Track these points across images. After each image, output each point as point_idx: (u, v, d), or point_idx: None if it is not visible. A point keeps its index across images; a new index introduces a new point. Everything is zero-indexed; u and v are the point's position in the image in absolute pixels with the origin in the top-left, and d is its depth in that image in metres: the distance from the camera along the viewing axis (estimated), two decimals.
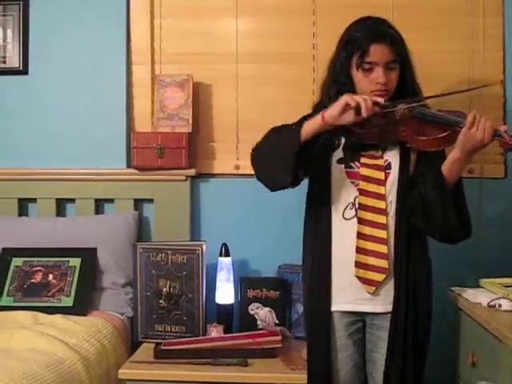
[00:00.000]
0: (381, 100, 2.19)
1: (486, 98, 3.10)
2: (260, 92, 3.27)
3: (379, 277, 2.28)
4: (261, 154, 2.37)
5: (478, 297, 2.34)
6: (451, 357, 2.51)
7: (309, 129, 2.21)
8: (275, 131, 2.34)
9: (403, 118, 2.22)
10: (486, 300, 2.28)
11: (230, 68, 3.28)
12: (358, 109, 2.13)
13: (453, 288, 2.53)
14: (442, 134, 2.16)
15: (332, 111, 2.17)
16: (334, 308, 2.35)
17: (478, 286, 2.51)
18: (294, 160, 2.19)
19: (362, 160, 2.32)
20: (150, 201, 3.29)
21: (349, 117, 2.16)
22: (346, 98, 2.15)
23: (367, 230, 2.30)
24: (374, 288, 2.30)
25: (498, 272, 2.56)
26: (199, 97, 3.29)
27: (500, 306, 2.22)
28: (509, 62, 3.15)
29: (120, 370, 2.65)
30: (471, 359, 2.24)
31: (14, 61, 3.36)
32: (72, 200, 3.32)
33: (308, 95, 3.17)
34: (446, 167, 2.18)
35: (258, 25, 3.29)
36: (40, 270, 3.04)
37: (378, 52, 2.24)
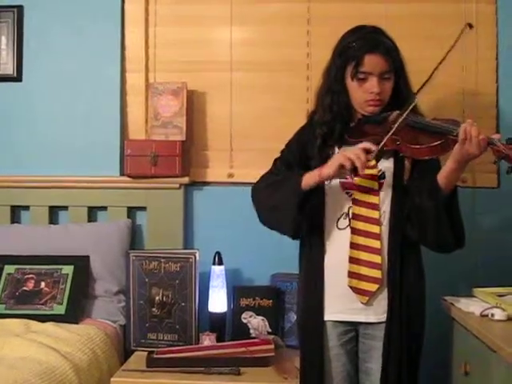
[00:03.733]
0: (371, 146, 2.19)
1: (478, 107, 3.12)
2: (254, 100, 3.27)
3: (372, 287, 2.29)
4: (262, 204, 2.44)
5: (470, 306, 2.34)
6: (444, 366, 2.51)
7: (306, 183, 2.27)
8: (275, 183, 2.39)
9: (397, 128, 2.22)
10: (479, 309, 2.27)
11: (224, 76, 3.28)
12: (353, 168, 2.16)
13: (445, 297, 2.52)
14: (436, 143, 2.16)
15: (327, 172, 2.23)
16: (326, 317, 2.35)
17: (471, 296, 2.50)
18: (295, 213, 2.28)
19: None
20: (144, 209, 3.28)
21: (345, 174, 2.22)
22: (340, 160, 2.19)
23: (360, 240, 2.30)
24: (368, 298, 2.30)
25: (491, 281, 2.56)
26: (193, 105, 3.29)
27: (493, 315, 2.21)
28: (502, 71, 3.16)
29: (112, 379, 2.63)
30: (464, 369, 2.24)
31: (8, 68, 3.35)
32: (65, 207, 3.31)
33: (302, 104, 3.18)
34: (441, 177, 2.18)
35: (253, 33, 3.29)
36: (32, 278, 3.03)
37: (372, 62, 2.25)
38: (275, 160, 2.51)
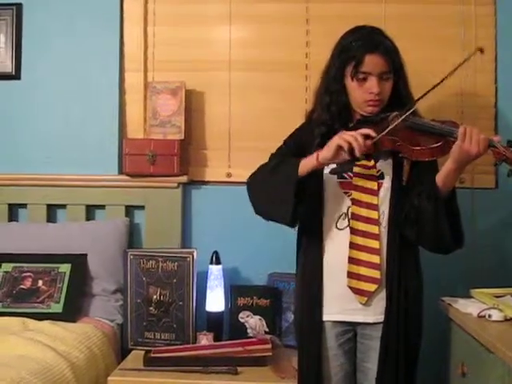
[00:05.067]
0: (369, 131, 2.18)
1: (477, 108, 3.12)
2: (252, 100, 3.27)
3: (371, 287, 2.29)
4: (258, 192, 2.40)
5: (468, 307, 2.34)
6: (441, 367, 2.51)
7: (304, 168, 2.24)
8: (271, 169, 2.36)
9: (397, 128, 2.22)
10: (477, 310, 2.27)
11: (223, 76, 3.28)
12: (350, 150, 2.14)
13: (443, 298, 2.52)
14: (436, 144, 2.16)
15: (326, 154, 2.20)
16: (325, 318, 2.35)
17: (469, 297, 2.51)
18: (292, 200, 2.23)
19: (355, 170, 2.32)
20: (142, 207, 3.28)
21: (343, 157, 2.18)
22: (337, 141, 2.16)
23: (360, 240, 2.30)
24: (366, 298, 2.30)
25: (489, 282, 2.56)
26: (192, 104, 3.29)
27: (490, 316, 2.22)
28: (500, 72, 3.16)
29: (109, 378, 2.64)
30: (461, 370, 2.24)
31: (6, 66, 3.35)
32: (63, 206, 3.31)
33: (300, 104, 3.18)
34: (440, 178, 2.18)
35: (251, 33, 3.30)
36: (30, 276, 3.03)
37: (372, 62, 2.25)
38: (272, 155, 2.48)
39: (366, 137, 2.17)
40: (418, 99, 2.28)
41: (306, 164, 2.25)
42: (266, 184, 2.36)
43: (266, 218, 2.40)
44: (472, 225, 2.89)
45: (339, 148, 2.16)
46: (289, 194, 2.24)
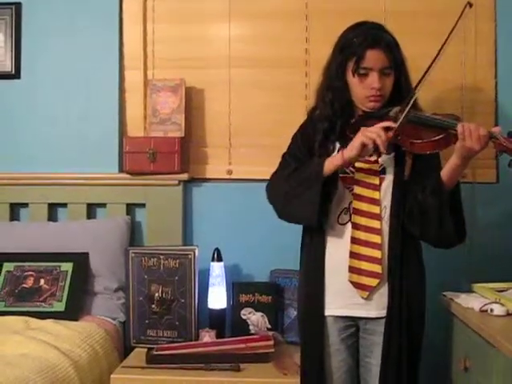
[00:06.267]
0: (390, 123, 2.19)
1: (477, 103, 3.12)
2: (252, 97, 3.27)
3: (373, 282, 2.29)
4: (280, 196, 2.38)
5: (470, 301, 2.34)
6: (443, 362, 2.51)
7: (329, 167, 2.25)
8: (293, 172, 2.35)
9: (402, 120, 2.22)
10: (478, 305, 2.27)
11: (223, 73, 3.28)
12: (375, 147, 2.16)
13: (445, 293, 2.52)
14: (438, 137, 2.16)
15: (350, 153, 2.21)
16: (327, 313, 2.35)
17: (471, 291, 2.51)
18: (319, 200, 2.23)
19: (357, 165, 2.32)
20: (143, 205, 3.28)
21: (368, 153, 2.20)
22: (361, 139, 2.17)
23: (361, 235, 2.30)
24: (368, 293, 2.30)
25: (491, 277, 2.56)
26: (192, 101, 3.28)
27: (492, 310, 2.22)
28: (501, 66, 3.15)
29: (112, 375, 2.64)
30: (463, 364, 2.24)
31: (6, 65, 3.35)
32: (64, 205, 3.31)
33: (300, 100, 3.18)
34: (444, 173, 2.19)
35: (251, 29, 3.29)
36: (31, 275, 3.03)
37: (373, 58, 2.25)
38: (284, 155, 2.47)
39: (387, 129, 2.17)
40: (419, 82, 2.27)
41: (332, 163, 2.26)
42: (289, 187, 2.34)
43: (291, 221, 2.40)
44: (473, 219, 2.88)
45: (364, 146, 2.17)
46: (315, 194, 2.24)
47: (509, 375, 1.90)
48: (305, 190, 2.27)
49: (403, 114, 2.20)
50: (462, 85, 3.15)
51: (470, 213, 2.82)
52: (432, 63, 2.24)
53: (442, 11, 3.14)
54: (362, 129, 2.21)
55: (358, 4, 3.14)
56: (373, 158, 2.27)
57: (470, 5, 2.26)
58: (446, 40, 2.23)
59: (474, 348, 2.18)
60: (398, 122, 2.19)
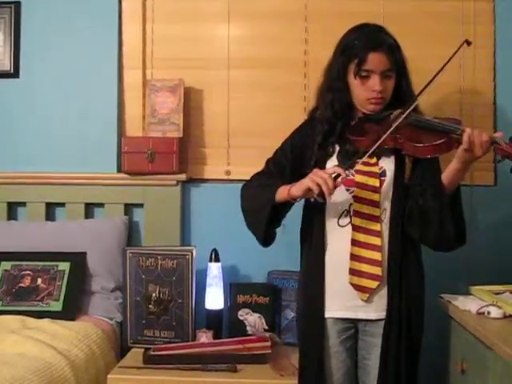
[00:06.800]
0: (339, 171, 2.18)
1: (476, 106, 3.12)
2: (251, 97, 3.27)
3: (373, 284, 2.29)
4: (244, 206, 2.51)
5: (467, 304, 2.35)
6: (441, 364, 2.51)
7: (279, 197, 2.33)
8: (256, 187, 2.45)
9: (399, 126, 2.22)
10: (476, 307, 2.28)
11: (222, 73, 3.28)
12: (320, 192, 2.17)
13: (442, 295, 2.53)
14: (439, 141, 2.16)
15: (295, 192, 2.27)
16: (327, 314, 2.35)
17: (468, 293, 2.51)
18: (266, 223, 2.36)
19: (358, 167, 2.32)
20: (141, 205, 3.28)
21: (313, 196, 2.22)
22: (307, 183, 2.20)
23: (361, 237, 2.30)
24: (368, 295, 2.30)
25: (488, 279, 2.57)
26: (190, 102, 3.28)
27: (489, 313, 2.22)
28: (499, 69, 3.16)
29: (109, 376, 2.64)
30: (461, 366, 2.24)
31: (5, 64, 3.34)
32: (62, 204, 3.30)
33: (299, 101, 3.18)
34: (445, 177, 2.20)
35: (250, 30, 3.29)
36: (29, 274, 3.03)
37: (375, 60, 2.26)
38: (268, 160, 2.52)
39: (337, 177, 2.17)
40: (418, 95, 2.28)
41: (280, 193, 2.33)
42: (250, 202, 2.47)
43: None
44: (471, 222, 2.89)
45: (308, 190, 2.20)
46: (263, 218, 2.35)
47: (505, 377, 1.90)
48: (257, 211, 2.40)
49: (402, 117, 2.20)
50: (461, 88, 3.16)
51: (468, 215, 2.82)
52: (430, 81, 2.25)
53: (440, 13, 3.17)
54: (313, 171, 2.22)
55: (356, 5, 3.15)
56: (319, 200, 2.26)
57: (468, 43, 2.29)
58: (441, 70, 2.26)
59: (471, 350, 2.18)
60: (393, 127, 2.19)
